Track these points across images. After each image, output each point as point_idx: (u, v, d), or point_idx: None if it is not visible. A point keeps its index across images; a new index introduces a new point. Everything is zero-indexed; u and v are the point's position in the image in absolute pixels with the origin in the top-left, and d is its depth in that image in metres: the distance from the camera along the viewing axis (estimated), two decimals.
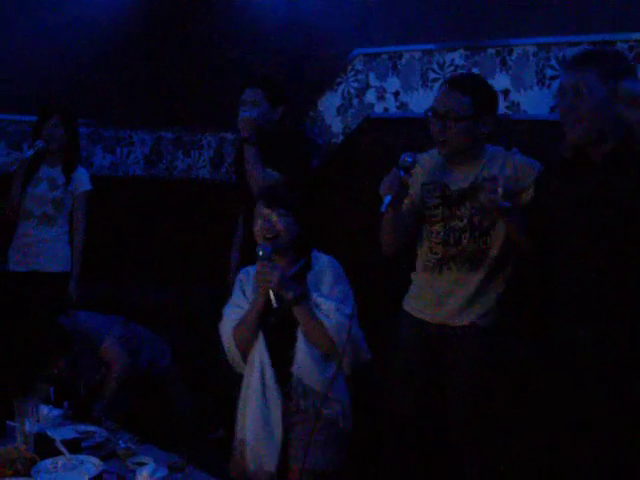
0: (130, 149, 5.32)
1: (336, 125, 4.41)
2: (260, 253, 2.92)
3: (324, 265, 3.03)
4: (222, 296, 3.26)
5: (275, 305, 2.87)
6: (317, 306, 2.93)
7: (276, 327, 2.98)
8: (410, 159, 2.91)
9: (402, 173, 2.90)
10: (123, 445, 2.85)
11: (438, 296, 3.14)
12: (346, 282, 3.05)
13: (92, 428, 3.01)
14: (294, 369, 2.94)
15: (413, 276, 3.28)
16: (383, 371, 3.28)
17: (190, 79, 5.23)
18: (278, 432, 2.94)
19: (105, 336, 4.07)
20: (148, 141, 5.36)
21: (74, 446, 2.71)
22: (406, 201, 3.09)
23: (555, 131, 3.41)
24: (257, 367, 2.97)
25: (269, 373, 2.95)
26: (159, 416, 4.00)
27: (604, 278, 2.61)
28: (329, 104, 4.44)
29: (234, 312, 3.05)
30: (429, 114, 3.06)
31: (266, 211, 3.01)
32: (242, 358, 3.04)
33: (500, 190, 2.72)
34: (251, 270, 3.08)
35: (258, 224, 3.02)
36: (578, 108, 2.61)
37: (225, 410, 3.42)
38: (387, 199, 2.87)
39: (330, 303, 2.92)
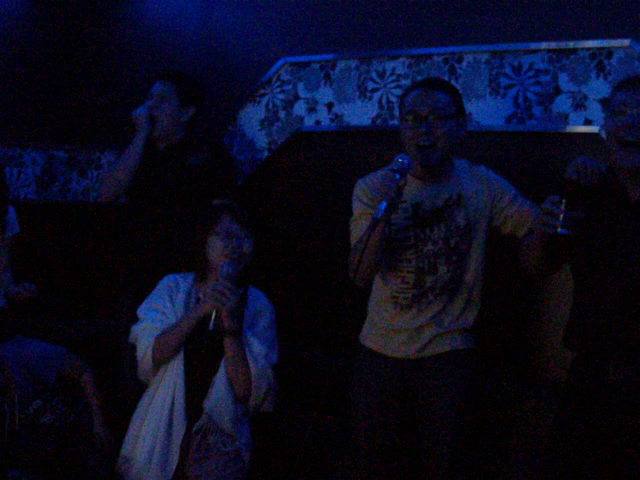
0: (20, 170, 4.77)
1: (260, 140, 4.06)
2: (226, 271, 2.74)
3: (263, 306, 2.93)
4: None
5: (211, 327, 2.70)
6: (248, 346, 2.79)
7: (199, 351, 2.81)
8: (406, 161, 2.55)
9: (397, 176, 2.53)
10: None
11: (414, 332, 2.82)
12: (275, 328, 2.94)
13: None
14: (205, 403, 2.77)
15: (373, 308, 2.93)
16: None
17: (89, 94, 4.77)
18: (174, 461, 2.74)
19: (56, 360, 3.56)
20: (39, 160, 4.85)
21: None
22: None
23: (512, 143, 3.23)
24: (169, 386, 2.78)
25: (180, 397, 2.77)
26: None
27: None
28: (250, 117, 4.09)
29: (157, 319, 2.82)
30: (407, 119, 2.75)
31: (235, 227, 2.84)
32: (153, 371, 2.84)
33: (562, 215, 2.33)
34: (180, 279, 2.91)
35: (225, 240, 2.83)
36: None
37: None
38: (382, 205, 2.48)
39: (261, 347, 2.81)
